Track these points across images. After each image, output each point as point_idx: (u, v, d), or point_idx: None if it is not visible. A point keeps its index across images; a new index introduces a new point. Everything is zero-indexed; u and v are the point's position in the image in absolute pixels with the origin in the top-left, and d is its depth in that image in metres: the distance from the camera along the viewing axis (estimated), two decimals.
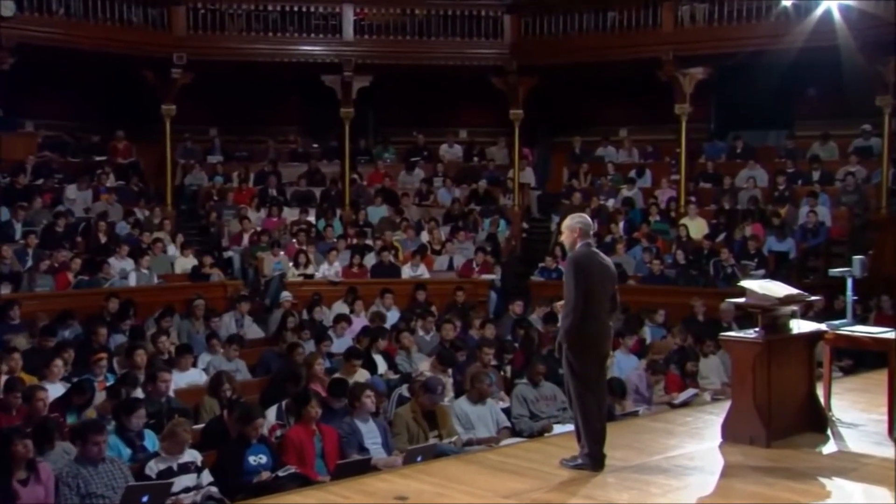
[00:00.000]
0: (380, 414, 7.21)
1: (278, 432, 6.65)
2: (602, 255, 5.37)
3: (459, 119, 17.72)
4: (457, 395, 7.79)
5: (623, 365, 8.91)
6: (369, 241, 13.88)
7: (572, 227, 5.28)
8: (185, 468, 5.76)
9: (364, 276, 12.84)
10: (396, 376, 8.64)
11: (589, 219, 5.38)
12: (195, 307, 10.77)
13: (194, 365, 8.72)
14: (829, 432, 6.12)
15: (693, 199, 14.58)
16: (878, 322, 9.50)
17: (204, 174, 15.71)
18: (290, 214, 14.71)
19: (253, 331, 11.16)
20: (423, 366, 8.28)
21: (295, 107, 17.39)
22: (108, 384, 7.53)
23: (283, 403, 6.94)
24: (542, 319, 10.91)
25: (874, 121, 13.63)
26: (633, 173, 15.71)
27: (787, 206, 13.67)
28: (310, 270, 12.79)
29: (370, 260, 13.23)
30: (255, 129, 16.90)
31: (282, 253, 13.09)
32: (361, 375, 8.07)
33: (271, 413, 6.89)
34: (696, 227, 13.69)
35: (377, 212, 14.84)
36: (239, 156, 16.54)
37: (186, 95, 14.51)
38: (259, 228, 14.02)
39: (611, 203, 15.10)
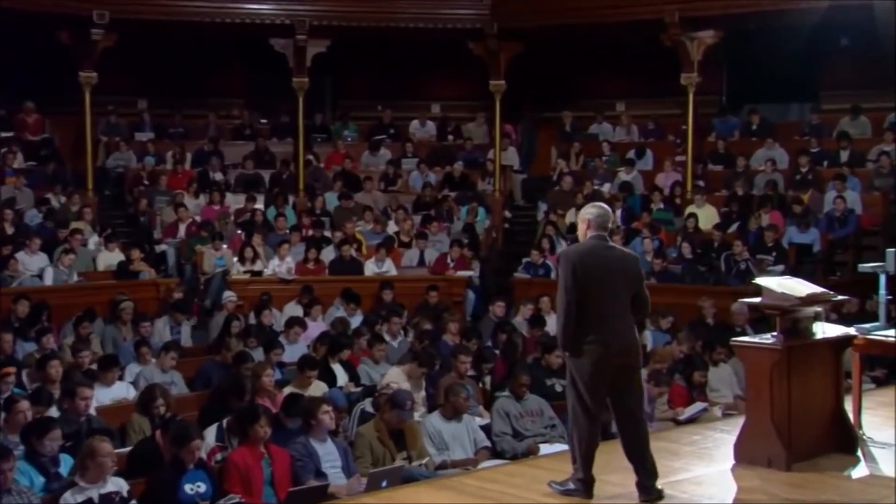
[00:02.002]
0: (339, 433, 7.19)
1: (219, 455, 6.61)
2: (617, 248, 5.35)
3: (431, 91, 17.70)
4: (429, 411, 7.81)
5: None
6: (327, 233, 13.86)
7: (583, 217, 5.31)
8: (107, 499, 5.68)
9: (321, 273, 12.82)
10: (359, 389, 8.64)
11: (606, 209, 5.33)
12: (121, 310, 10.70)
13: (121, 378, 8.66)
14: (858, 453, 6.15)
15: (701, 183, 14.66)
16: None
17: (131, 154, 15.58)
18: (235, 202, 14.67)
19: (191, 337, 11.08)
20: (391, 376, 8.25)
21: (239, 76, 17.29)
22: None
23: (226, 422, 6.89)
24: (528, 322, 10.95)
25: None
26: (631, 154, 15.77)
27: (810, 191, 13.80)
28: (258, 267, 12.75)
29: (328, 254, 13.21)
30: (192, 101, 16.77)
31: (224, 246, 13.04)
32: (318, 388, 8.07)
33: (211, 433, 6.85)
34: (705, 216, 13.78)
35: (336, 199, 14.80)
36: (173, 132, 16.42)
37: (109, 61, 14.33)
38: (197, 218, 13.94)
39: (606, 188, 15.14)
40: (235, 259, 12.82)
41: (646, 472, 5.23)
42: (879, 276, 6.42)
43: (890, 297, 6.57)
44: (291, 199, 14.92)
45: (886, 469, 5.92)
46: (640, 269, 5.34)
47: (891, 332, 6.33)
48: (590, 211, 5.29)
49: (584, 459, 5.23)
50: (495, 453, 7.29)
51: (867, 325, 6.40)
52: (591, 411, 5.18)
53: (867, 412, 6.61)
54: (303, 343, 10.13)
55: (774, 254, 12.46)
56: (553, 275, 13.16)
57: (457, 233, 14.25)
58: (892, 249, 6.50)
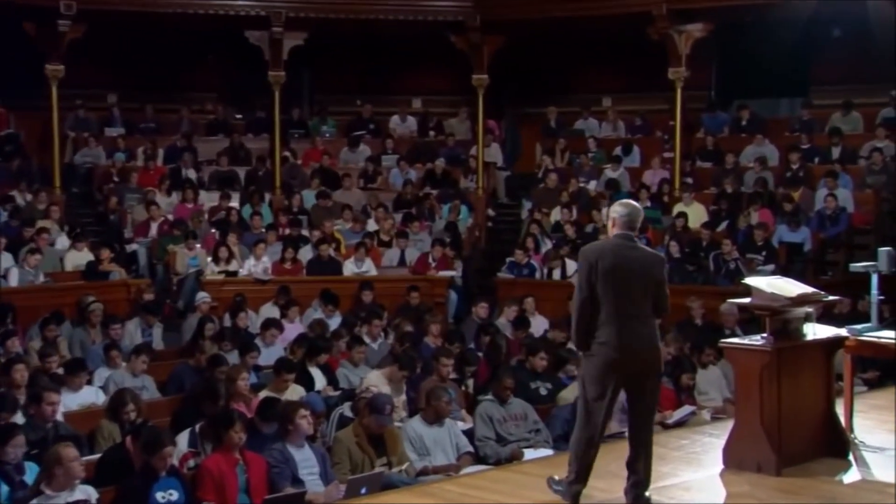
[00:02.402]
0: (317, 438, 7.19)
1: (192, 462, 6.59)
2: (640, 249, 5.37)
3: (412, 86, 17.71)
4: (410, 415, 7.80)
5: None
6: (305, 232, 13.85)
7: (611, 215, 5.41)
8: None
9: (298, 274, 12.81)
10: (337, 393, 8.62)
11: (635, 207, 5.38)
12: (90, 312, 10.64)
13: (89, 382, 8.61)
14: (850, 457, 6.18)
15: (690, 180, 14.74)
16: None
17: (101, 149, 15.50)
18: (209, 199, 14.63)
19: (162, 340, 11.04)
20: (370, 380, 8.24)
21: (213, 69, 17.22)
22: None
23: (199, 427, 6.86)
24: (512, 324, 10.96)
25: None
26: (618, 150, 15.82)
27: (801, 188, 13.88)
28: (233, 267, 12.72)
29: (306, 254, 13.20)
30: (165, 95, 16.70)
31: (198, 246, 13.01)
32: (295, 392, 8.05)
33: (183, 439, 6.82)
34: (694, 215, 13.84)
35: (314, 196, 14.78)
36: (144, 128, 16.34)
37: (77, 53, 14.23)
38: (170, 216, 13.88)
39: (592, 186, 15.19)
40: (209, 259, 12.78)
41: (637, 481, 5.25)
42: (871, 276, 6.43)
43: (882, 298, 6.55)
44: (268, 196, 14.88)
45: (878, 474, 5.96)
46: (664, 272, 5.35)
47: (883, 333, 6.37)
48: (616, 209, 5.37)
49: (579, 461, 5.24)
50: (478, 458, 7.28)
51: (859, 326, 6.43)
52: (591, 412, 5.19)
53: (859, 415, 6.65)
54: (279, 346, 10.12)
55: (764, 253, 12.53)
56: (538, 275, 13.22)
57: (439, 232, 14.26)
58: (885, 248, 6.52)
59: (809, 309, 6.05)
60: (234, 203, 14.47)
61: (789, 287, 6.04)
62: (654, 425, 8.07)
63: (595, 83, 17.10)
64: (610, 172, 15.31)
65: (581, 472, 5.26)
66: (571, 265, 12.95)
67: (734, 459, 5.97)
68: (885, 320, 7.83)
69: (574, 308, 5.25)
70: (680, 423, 8.16)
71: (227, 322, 11.02)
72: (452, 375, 8.62)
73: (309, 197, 14.79)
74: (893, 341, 6.24)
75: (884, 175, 13.76)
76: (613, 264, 5.17)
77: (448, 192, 15.30)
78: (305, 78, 17.25)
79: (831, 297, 6.54)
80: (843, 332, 6.34)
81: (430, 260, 13.29)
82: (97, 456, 6.69)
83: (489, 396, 7.82)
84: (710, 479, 5.87)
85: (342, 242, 13.66)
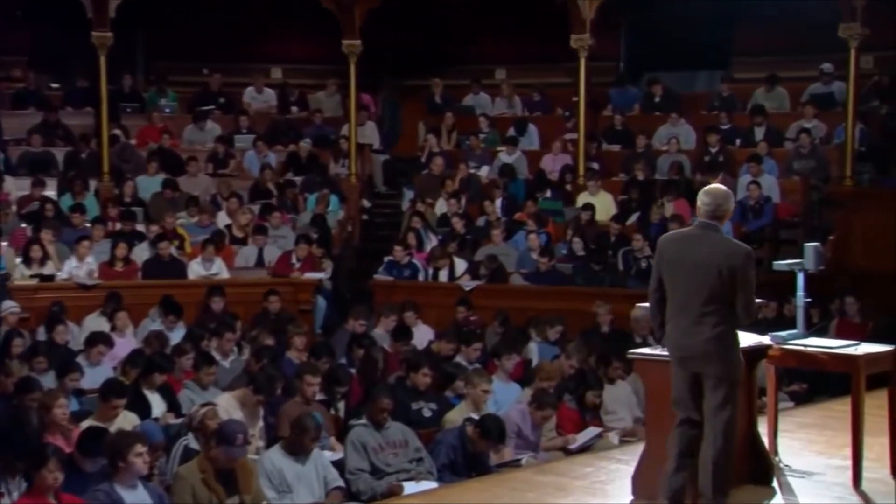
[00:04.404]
0: (154, 476, 7.08)
1: None
2: (715, 240, 5.69)
3: (271, 52, 17.62)
4: (267, 445, 7.75)
5: (500, 397, 9.02)
6: (140, 227, 13.67)
7: (697, 203, 5.90)
8: None
9: (133, 277, 12.67)
10: (179, 420, 8.48)
11: (718, 195, 5.79)
12: None
13: None
14: (774, 484, 6.35)
15: (596, 166, 15.02)
16: (841, 333, 10.02)
17: None
18: (17, 187, 14.31)
19: None
20: (220, 404, 8.15)
21: (22, 28, 16.72)
22: None
23: (3, 465, 6.66)
24: (391, 335, 10.98)
25: (837, 58, 14.34)
26: (513, 131, 16.00)
27: (720, 174, 14.23)
28: (48, 269, 12.50)
29: (141, 253, 13.03)
30: None
31: (5, 244, 12.75)
32: (127, 421, 7.90)
33: None
34: (600, 206, 14.13)
35: (151, 184, 14.57)
36: None
37: None
38: None
39: (484, 172, 15.35)
40: (19, 260, 12.52)
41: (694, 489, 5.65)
42: (797, 275, 6.57)
43: (809, 300, 6.68)
44: (93, 184, 14.60)
45: (806, 501, 6.15)
46: (745, 269, 5.61)
47: (810, 340, 6.50)
48: (699, 197, 5.86)
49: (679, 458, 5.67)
50: (350, 495, 7.30)
51: (783, 333, 6.54)
52: (675, 407, 5.73)
53: (784, 435, 6.87)
54: (108, 365, 10.00)
55: None
56: (421, 276, 13.29)
57: (304, 226, 14.20)
58: (811, 244, 6.70)
59: None
60: (51, 192, 14.19)
61: None
62: (555, 451, 8.32)
63: (487, 52, 17.27)
64: (504, 156, 15.49)
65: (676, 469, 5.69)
66: (461, 265, 13.07)
67: (644, 489, 6.10)
68: (814, 326, 8.13)
69: (651, 307, 5.90)
70: (584, 448, 8.31)
71: (42, 336, 10.83)
72: (319, 397, 8.60)
73: (145, 184, 14.56)
74: (822, 350, 6.39)
75: (812, 160, 14.27)
76: (677, 254, 5.75)
77: (315, 179, 15.23)
78: (139, 40, 16.97)
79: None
80: (766, 339, 6.47)
81: (294, 260, 13.23)
82: None
83: (363, 421, 7.84)
84: None
85: (186, 239, 13.52)
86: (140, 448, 6.53)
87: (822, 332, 8.04)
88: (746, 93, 15.78)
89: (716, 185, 5.99)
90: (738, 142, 15.06)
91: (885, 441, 6.41)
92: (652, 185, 14.41)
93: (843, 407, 6.76)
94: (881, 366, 6.33)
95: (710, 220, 5.75)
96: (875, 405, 6.37)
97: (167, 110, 16.44)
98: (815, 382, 9.77)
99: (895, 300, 11.70)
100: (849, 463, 6.30)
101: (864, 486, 6.21)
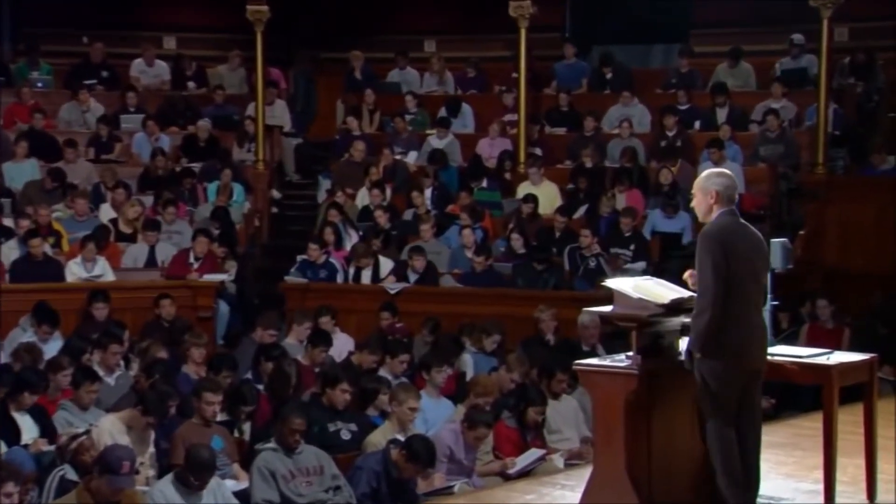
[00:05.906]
0: None
1: None
2: (749, 226, 5.96)
3: (163, 18, 17.51)
4: (159, 475, 7.70)
5: (429, 415, 9.04)
6: (8, 222, 13.45)
7: (706, 188, 5.90)
8: None
9: None
10: (54, 447, 8.35)
11: (731, 176, 5.99)
12: None
13: None
14: None
15: (538, 151, 15.08)
16: (812, 339, 10.19)
17: None
18: None
19: None
20: (103, 426, 8.06)
21: None
22: None
23: None
24: (305, 344, 10.91)
25: (808, 29, 14.52)
26: (444, 111, 16.01)
27: (678, 162, 14.39)
28: None
29: (10, 252, 12.87)
30: None
31: None
32: None
33: None
34: (544, 197, 14.18)
35: (22, 171, 14.41)
36: None
37: None
38: None
39: (411, 158, 15.35)
40: None
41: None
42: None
43: (776, 304, 6.69)
44: None
45: None
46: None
47: (779, 349, 6.52)
48: (715, 181, 5.89)
49: (730, 477, 5.84)
50: None
51: None
52: (725, 421, 5.88)
53: None
54: None
55: (633, 246, 12.95)
56: (340, 277, 13.23)
57: (203, 220, 14.12)
58: (778, 240, 6.73)
59: (687, 319, 6.24)
60: None
61: (661, 291, 6.20)
62: (493, 476, 8.32)
63: (415, 21, 17.28)
64: (435, 141, 15.49)
65: (744, 488, 5.92)
66: (386, 264, 13.03)
67: None
68: (782, 332, 8.21)
69: (707, 304, 5.75)
70: (525, 472, 8.32)
71: None
72: (221, 417, 8.54)
73: (13, 172, 14.42)
74: (791, 359, 6.41)
75: (781, 145, 14.43)
76: (744, 246, 5.84)
77: (215, 166, 15.13)
78: (4, 2, 16.63)
79: None
80: None
81: (192, 259, 13.14)
82: None
83: (271, 444, 7.81)
84: None
85: (64, 236, 13.41)
86: (11, 489, 6.43)
87: (791, 340, 8.14)
88: (707, 69, 15.93)
89: (719, 169, 6.28)
90: (697, 124, 15.20)
91: (861, 462, 6.47)
92: (602, 174, 14.49)
93: (814, 424, 6.87)
94: (856, 377, 6.39)
95: (733, 206, 5.93)
96: (850, 421, 6.41)
97: (39, 85, 16.29)
98: (784, 396, 9.88)
99: (872, 303, 11.89)
100: (820, 487, 6.33)
101: None
